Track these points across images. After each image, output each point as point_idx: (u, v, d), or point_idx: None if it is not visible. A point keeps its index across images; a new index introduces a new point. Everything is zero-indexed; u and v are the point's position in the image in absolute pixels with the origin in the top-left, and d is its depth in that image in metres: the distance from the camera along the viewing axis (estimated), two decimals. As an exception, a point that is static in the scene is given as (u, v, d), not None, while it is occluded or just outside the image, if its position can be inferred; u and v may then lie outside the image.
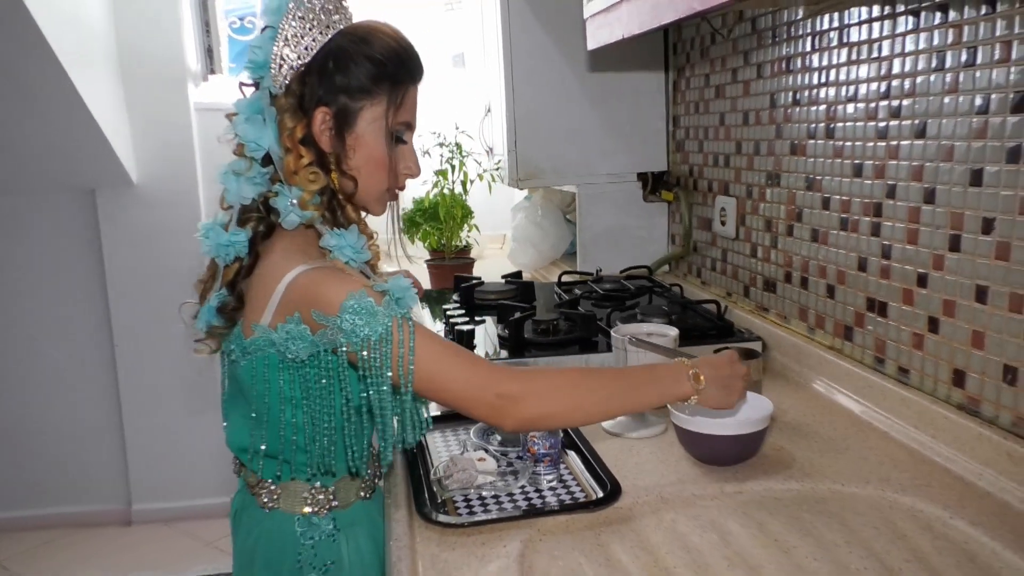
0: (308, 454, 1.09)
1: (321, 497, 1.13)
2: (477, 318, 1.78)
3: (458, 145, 2.60)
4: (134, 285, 3.15)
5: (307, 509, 1.13)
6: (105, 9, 2.89)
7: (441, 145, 2.59)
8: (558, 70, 2.20)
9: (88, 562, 3.06)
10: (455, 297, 1.94)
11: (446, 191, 2.58)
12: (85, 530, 3.29)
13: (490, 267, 2.54)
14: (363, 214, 1.18)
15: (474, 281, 1.98)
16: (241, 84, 1.10)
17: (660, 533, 1.02)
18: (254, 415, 1.09)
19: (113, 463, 3.33)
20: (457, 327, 1.60)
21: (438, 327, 1.76)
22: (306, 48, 1.04)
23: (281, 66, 1.04)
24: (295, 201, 1.05)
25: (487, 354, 1.57)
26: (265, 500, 1.14)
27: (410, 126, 1.14)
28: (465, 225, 2.63)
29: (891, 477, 1.14)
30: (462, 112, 2.79)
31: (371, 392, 1.01)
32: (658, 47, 2.24)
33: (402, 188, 1.18)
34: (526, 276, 2.32)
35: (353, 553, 1.14)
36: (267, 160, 1.08)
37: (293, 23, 1.03)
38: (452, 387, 1.02)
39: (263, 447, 1.11)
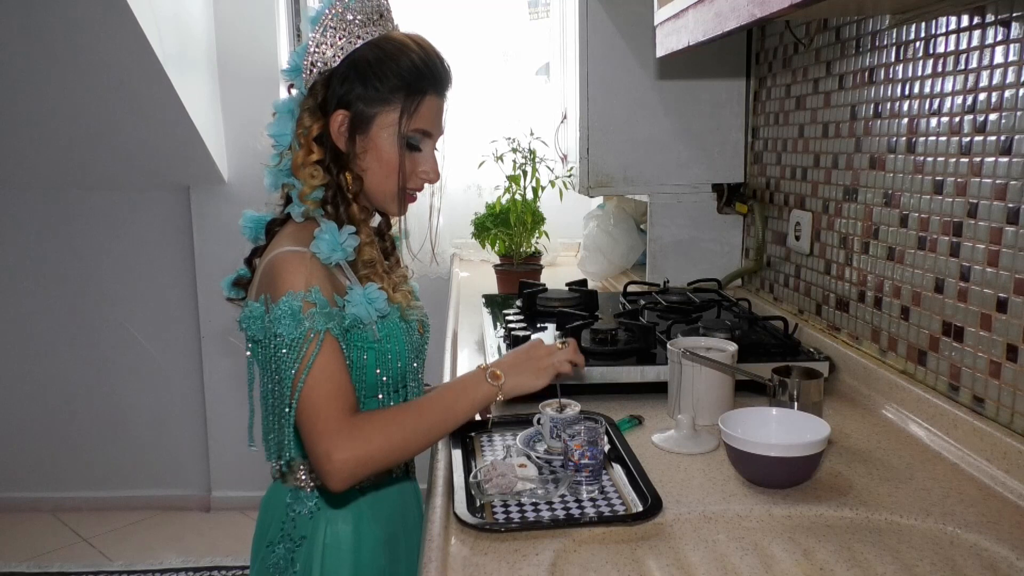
0: (272, 432, 1.16)
1: (314, 474, 1.19)
2: (539, 325, 1.77)
3: (532, 151, 2.60)
4: (222, 279, 3.25)
5: (298, 484, 1.20)
6: (205, 11, 2.99)
7: (514, 151, 2.59)
8: (634, 77, 2.17)
9: (169, 545, 3.17)
10: (517, 303, 1.94)
11: (517, 197, 2.58)
12: (168, 513, 3.42)
13: (560, 275, 2.52)
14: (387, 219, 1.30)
15: (538, 288, 1.97)
16: (289, 87, 1.20)
17: (699, 552, 0.99)
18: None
19: (196, 450, 3.45)
20: (513, 332, 1.59)
21: (498, 331, 1.75)
22: (333, 56, 1.14)
23: (311, 70, 1.14)
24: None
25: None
26: (273, 472, 1.22)
27: (427, 134, 1.20)
28: (536, 232, 2.62)
29: (956, 511, 1.07)
30: (543, 121, 2.78)
31: (274, 386, 1.10)
32: (740, 56, 2.19)
33: (418, 189, 1.24)
34: (595, 285, 2.29)
35: (330, 536, 1.19)
36: None
37: (323, 32, 1.14)
38: (306, 421, 1.07)
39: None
